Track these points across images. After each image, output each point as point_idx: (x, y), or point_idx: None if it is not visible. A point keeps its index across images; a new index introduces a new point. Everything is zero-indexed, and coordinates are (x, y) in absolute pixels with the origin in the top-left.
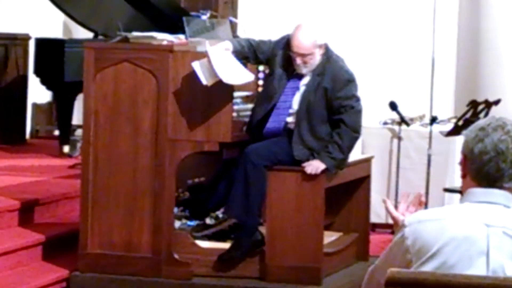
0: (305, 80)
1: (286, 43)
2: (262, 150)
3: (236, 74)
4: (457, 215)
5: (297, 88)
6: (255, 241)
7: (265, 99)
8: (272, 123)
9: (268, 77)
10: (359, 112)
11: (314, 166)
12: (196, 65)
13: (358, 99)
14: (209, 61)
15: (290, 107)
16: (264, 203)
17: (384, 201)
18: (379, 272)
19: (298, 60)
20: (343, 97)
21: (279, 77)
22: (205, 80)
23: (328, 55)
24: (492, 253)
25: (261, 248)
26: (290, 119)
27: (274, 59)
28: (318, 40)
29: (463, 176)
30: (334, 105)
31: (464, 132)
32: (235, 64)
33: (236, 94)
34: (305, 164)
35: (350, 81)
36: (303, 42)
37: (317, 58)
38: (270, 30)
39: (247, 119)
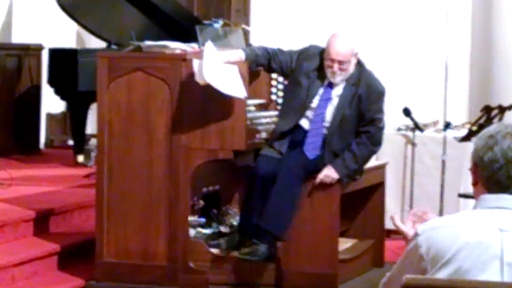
0: (338, 90)
1: (315, 53)
2: (302, 164)
3: (228, 83)
4: (470, 220)
5: (330, 99)
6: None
7: (292, 110)
8: (311, 138)
9: (291, 88)
10: (383, 128)
11: (327, 176)
12: (195, 63)
13: (384, 115)
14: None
15: (323, 120)
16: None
17: (392, 218)
18: (394, 282)
19: (335, 67)
20: (375, 109)
21: (307, 88)
22: (198, 78)
23: (361, 64)
24: (506, 257)
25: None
26: (324, 131)
27: (299, 69)
28: (354, 49)
29: (475, 184)
30: (366, 116)
31: (474, 139)
32: (233, 75)
33: (249, 102)
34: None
35: (383, 94)
36: (342, 49)
37: (352, 66)
38: (283, 38)
39: (260, 127)
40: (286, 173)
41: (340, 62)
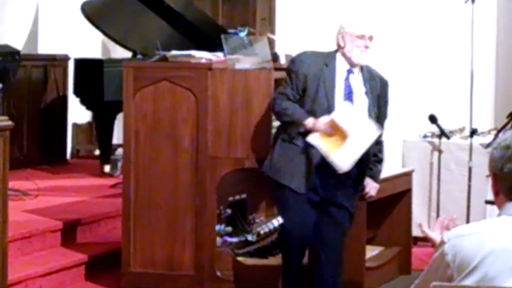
0: (358, 91)
1: (310, 57)
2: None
3: (365, 135)
4: (495, 228)
5: (352, 100)
6: None
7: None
8: None
9: (307, 96)
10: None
11: (375, 189)
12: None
13: None
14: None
15: None
16: None
17: (420, 225)
18: None
19: (367, 45)
20: (388, 102)
21: (325, 93)
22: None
23: None
24: None
25: None
26: None
27: (308, 77)
28: None
29: (496, 194)
30: (382, 112)
31: (490, 150)
32: (362, 122)
33: None
34: (367, 191)
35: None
36: (370, 23)
37: None
38: (308, 46)
39: None
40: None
41: (370, 38)
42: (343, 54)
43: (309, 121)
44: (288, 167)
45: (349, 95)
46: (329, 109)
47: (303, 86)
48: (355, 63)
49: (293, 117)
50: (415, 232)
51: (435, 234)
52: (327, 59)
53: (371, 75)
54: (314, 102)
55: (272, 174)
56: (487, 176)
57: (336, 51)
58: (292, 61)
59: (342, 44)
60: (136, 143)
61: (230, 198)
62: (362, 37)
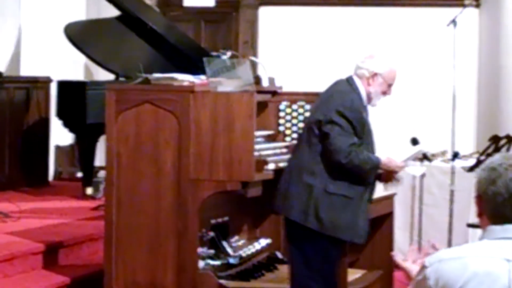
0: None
1: (358, 103)
2: None
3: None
4: (477, 252)
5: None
6: None
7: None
8: None
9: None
10: None
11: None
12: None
13: None
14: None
15: None
16: None
17: (391, 256)
18: None
19: (389, 94)
20: None
21: (369, 128)
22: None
23: None
24: None
25: None
26: None
27: (363, 120)
28: None
29: (480, 215)
30: None
31: (477, 171)
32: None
33: (257, 133)
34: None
35: None
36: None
37: None
38: (290, 70)
39: (269, 158)
40: None
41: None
42: (366, 91)
43: (385, 162)
44: (343, 220)
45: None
46: (373, 148)
47: (361, 131)
48: (372, 105)
49: (372, 163)
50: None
51: (408, 264)
52: (358, 97)
53: None
54: (367, 144)
55: (320, 228)
56: (474, 201)
57: (353, 83)
58: (350, 108)
59: (371, 82)
60: (118, 165)
61: (213, 221)
62: (391, 86)
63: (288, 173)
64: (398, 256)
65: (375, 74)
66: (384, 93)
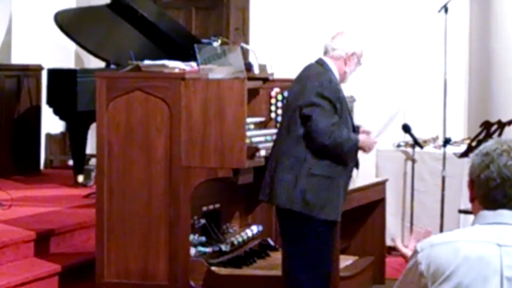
0: None
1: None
2: None
3: None
4: (469, 236)
5: None
6: None
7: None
8: None
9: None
10: None
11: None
12: None
13: None
14: None
15: None
16: None
17: (393, 240)
18: None
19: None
20: None
21: (347, 106)
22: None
23: None
24: (505, 272)
25: None
26: None
27: (341, 99)
28: None
29: (472, 200)
30: None
31: (471, 155)
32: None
33: (248, 120)
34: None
35: None
36: None
37: None
38: (281, 56)
39: (260, 145)
40: None
41: None
42: (340, 71)
43: (362, 140)
44: (328, 200)
45: None
46: (353, 126)
47: (340, 109)
48: (344, 82)
49: (352, 142)
50: (389, 241)
51: (408, 250)
52: (334, 77)
53: None
54: (345, 123)
55: (309, 211)
56: (468, 187)
57: (324, 65)
58: (328, 88)
59: (347, 63)
60: (109, 153)
61: (204, 208)
62: (361, 63)
63: (272, 162)
64: (398, 241)
65: (352, 54)
66: (355, 70)
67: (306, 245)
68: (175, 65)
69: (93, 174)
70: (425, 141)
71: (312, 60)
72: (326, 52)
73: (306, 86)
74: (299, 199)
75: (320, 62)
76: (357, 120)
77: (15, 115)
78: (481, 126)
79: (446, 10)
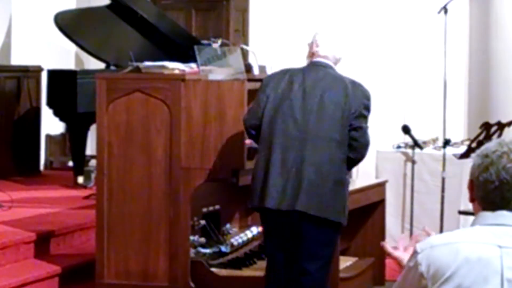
0: None
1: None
2: None
3: None
4: (469, 237)
5: None
6: None
7: None
8: None
9: None
10: None
11: None
12: None
13: None
14: None
15: None
16: None
17: (382, 246)
18: None
19: None
20: None
21: None
22: None
23: None
24: (505, 273)
25: None
26: None
27: None
28: None
29: (472, 200)
30: None
31: (473, 155)
32: None
33: None
34: None
35: None
36: None
37: None
38: (281, 58)
39: None
40: None
41: None
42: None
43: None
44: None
45: None
46: None
47: None
48: None
49: None
50: (389, 242)
51: (399, 253)
52: None
53: None
54: None
55: (344, 219)
56: (468, 188)
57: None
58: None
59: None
60: (109, 154)
61: (204, 209)
62: None
63: (311, 170)
64: (387, 245)
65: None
66: None
67: (332, 248)
68: (175, 67)
69: (93, 175)
70: (425, 142)
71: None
72: (335, 62)
73: (350, 95)
74: (344, 211)
75: (333, 68)
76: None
77: (15, 116)
78: (481, 127)
79: (445, 11)
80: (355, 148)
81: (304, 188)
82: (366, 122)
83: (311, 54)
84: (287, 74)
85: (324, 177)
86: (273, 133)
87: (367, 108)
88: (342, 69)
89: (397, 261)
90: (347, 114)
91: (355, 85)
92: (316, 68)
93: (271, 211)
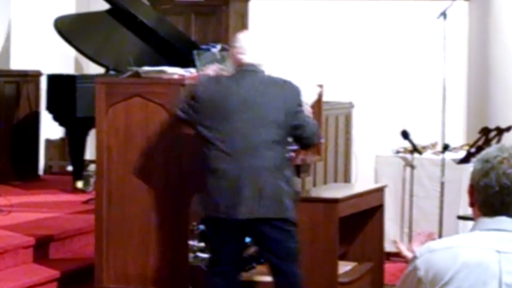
0: None
1: None
2: None
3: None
4: (468, 242)
5: None
6: None
7: None
8: None
9: None
10: None
11: None
12: None
13: None
14: None
15: None
16: None
17: (395, 242)
18: None
19: None
20: None
21: None
22: None
23: None
24: (504, 278)
25: None
26: None
27: None
28: None
29: (472, 205)
30: None
31: (473, 160)
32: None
33: None
34: None
35: None
36: None
37: None
38: (280, 62)
39: None
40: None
41: None
42: None
43: None
44: None
45: None
46: None
47: None
48: None
49: None
50: (388, 247)
51: (410, 253)
52: None
53: None
54: None
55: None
56: (468, 192)
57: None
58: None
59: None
60: (108, 159)
61: None
62: None
63: (263, 174)
64: (402, 245)
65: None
66: None
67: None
68: (174, 71)
69: (92, 180)
70: (424, 147)
71: (310, 66)
72: (261, 64)
73: (285, 96)
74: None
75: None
76: (356, 126)
77: (14, 121)
78: (480, 132)
79: (445, 16)
80: (305, 138)
81: (258, 195)
82: (304, 115)
83: (237, 61)
84: (220, 83)
85: (270, 182)
86: (217, 142)
87: (301, 103)
88: (340, 73)
89: (407, 260)
90: (286, 116)
91: (287, 84)
92: (248, 74)
93: (227, 220)
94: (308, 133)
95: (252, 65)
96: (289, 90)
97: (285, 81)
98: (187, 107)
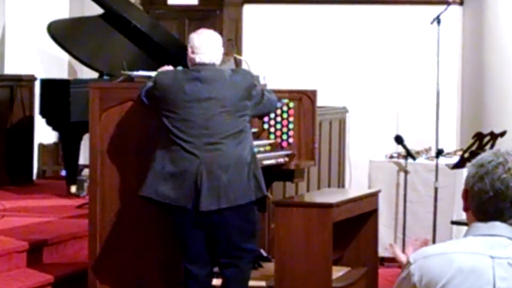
0: None
1: None
2: None
3: None
4: (462, 248)
5: None
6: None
7: None
8: None
9: None
10: None
11: None
12: None
13: None
14: None
15: None
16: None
17: (391, 246)
18: None
19: None
20: None
21: None
22: None
23: None
24: (498, 283)
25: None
26: None
27: None
28: None
29: (466, 210)
30: None
31: (468, 165)
32: None
33: None
34: None
35: None
36: None
37: None
38: (274, 67)
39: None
40: None
41: None
42: None
43: None
44: None
45: None
46: None
47: None
48: None
49: None
50: (382, 252)
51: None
52: None
53: None
54: None
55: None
56: (462, 197)
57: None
58: None
59: None
60: (102, 163)
61: None
62: None
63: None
64: (396, 249)
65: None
66: None
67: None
68: None
69: (85, 184)
70: (417, 152)
71: (303, 70)
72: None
73: (239, 83)
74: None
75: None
76: (350, 131)
77: (7, 125)
78: (473, 137)
79: (438, 22)
80: (267, 113)
81: (217, 187)
82: (259, 92)
83: (191, 60)
84: (178, 77)
85: (232, 171)
86: (181, 134)
87: (255, 84)
88: (335, 78)
89: (403, 265)
90: (245, 103)
91: (239, 72)
92: (204, 68)
93: (188, 210)
94: (269, 109)
95: (204, 64)
96: (241, 77)
97: (235, 70)
98: (150, 93)
